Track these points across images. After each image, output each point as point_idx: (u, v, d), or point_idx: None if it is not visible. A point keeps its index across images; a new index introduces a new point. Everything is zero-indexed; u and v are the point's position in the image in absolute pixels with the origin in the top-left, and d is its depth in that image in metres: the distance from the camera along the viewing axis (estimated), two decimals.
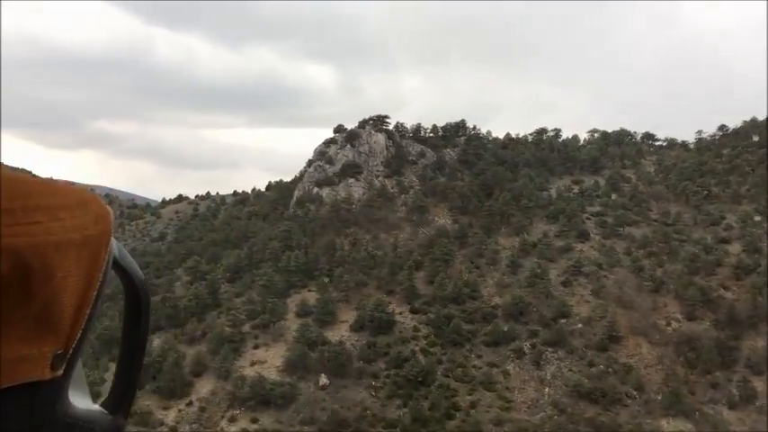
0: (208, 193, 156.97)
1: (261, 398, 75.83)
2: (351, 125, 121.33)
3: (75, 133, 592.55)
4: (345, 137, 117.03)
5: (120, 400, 0.88)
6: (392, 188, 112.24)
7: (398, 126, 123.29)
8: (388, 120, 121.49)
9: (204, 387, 78.64)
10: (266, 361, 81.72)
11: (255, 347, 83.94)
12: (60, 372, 0.75)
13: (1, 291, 0.65)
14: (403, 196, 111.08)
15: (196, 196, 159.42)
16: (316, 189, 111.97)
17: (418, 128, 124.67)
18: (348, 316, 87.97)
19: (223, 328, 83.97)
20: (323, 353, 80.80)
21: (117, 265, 0.83)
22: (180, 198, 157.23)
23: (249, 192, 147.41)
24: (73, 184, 0.78)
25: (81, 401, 0.82)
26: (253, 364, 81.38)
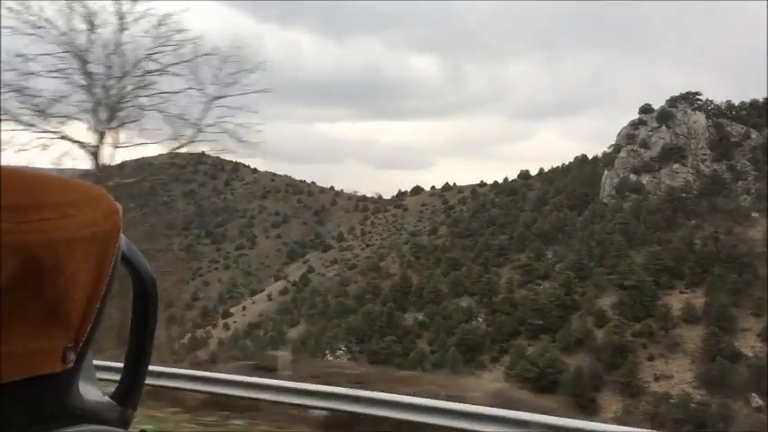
0: (447, 184, 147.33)
1: (688, 420, 63.23)
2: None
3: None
4: (657, 117, 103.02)
5: (128, 392, 0.89)
6: (723, 174, 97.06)
7: (706, 103, 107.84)
8: (699, 96, 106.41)
9: (611, 404, 66.96)
10: (672, 375, 69.09)
11: (650, 358, 71.46)
12: (71, 364, 0.74)
13: (13, 286, 0.64)
14: (740, 183, 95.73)
15: (432, 187, 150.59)
16: (633, 176, 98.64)
17: (731, 105, 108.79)
18: (747, 323, 73.84)
19: (611, 336, 72.00)
20: (742, 368, 67.25)
21: (125, 260, 0.82)
22: (418, 190, 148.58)
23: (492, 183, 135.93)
24: (82, 179, 0.76)
25: (91, 393, 0.83)
26: (657, 378, 68.97)
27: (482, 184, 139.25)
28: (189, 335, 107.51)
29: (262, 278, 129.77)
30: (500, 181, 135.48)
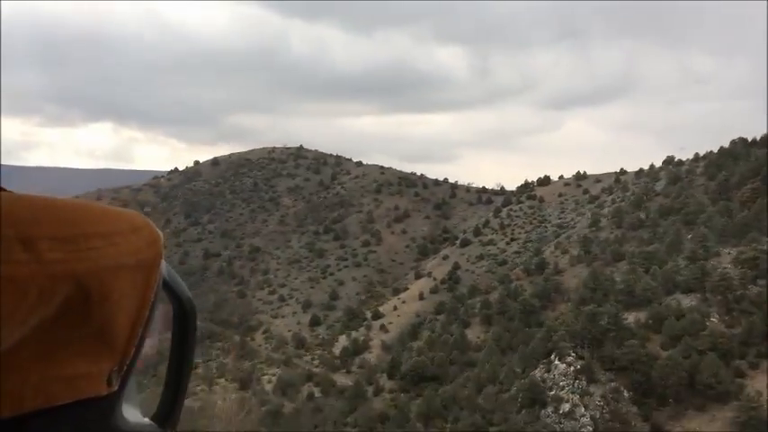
0: (579, 172, 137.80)
1: None
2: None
3: (213, 129, 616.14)
4: None
5: (168, 414, 0.93)
6: None
7: None
8: None
9: None
10: None
11: None
12: (115, 387, 0.79)
13: (63, 313, 0.69)
14: None
15: (560, 177, 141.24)
16: None
17: None
18: None
19: None
20: None
21: (166, 286, 0.87)
22: (547, 180, 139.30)
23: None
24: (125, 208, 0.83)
25: (132, 415, 0.87)
26: None
27: (623, 172, 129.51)
28: (343, 337, 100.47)
29: (396, 276, 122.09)
30: (644, 168, 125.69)
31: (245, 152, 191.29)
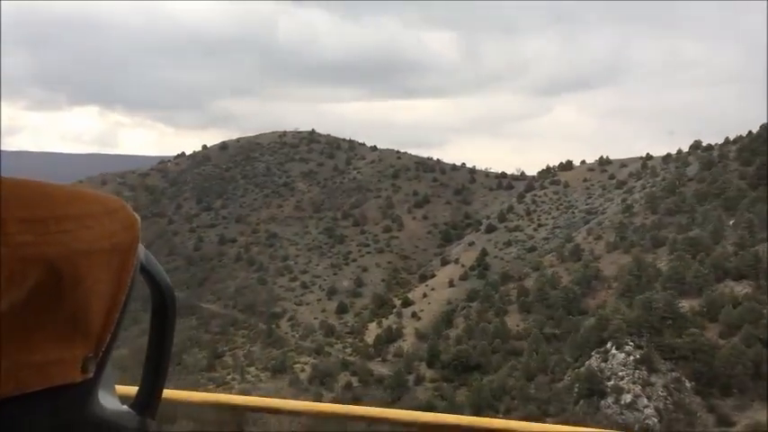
0: (602, 157, 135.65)
1: None
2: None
3: (201, 113, 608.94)
4: None
5: (147, 401, 0.91)
6: None
7: None
8: None
9: None
10: None
11: None
12: (91, 374, 0.77)
13: (34, 297, 0.67)
14: None
15: (582, 162, 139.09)
16: None
17: None
18: None
19: None
20: None
21: (144, 270, 0.85)
22: (569, 165, 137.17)
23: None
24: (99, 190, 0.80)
25: (110, 402, 0.85)
26: None
27: (649, 157, 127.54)
28: (373, 324, 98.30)
29: (420, 262, 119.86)
30: (672, 153, 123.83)
31: (254, 136, 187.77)
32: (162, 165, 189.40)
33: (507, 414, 64.65)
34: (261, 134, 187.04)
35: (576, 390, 62.93)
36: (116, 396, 0.88)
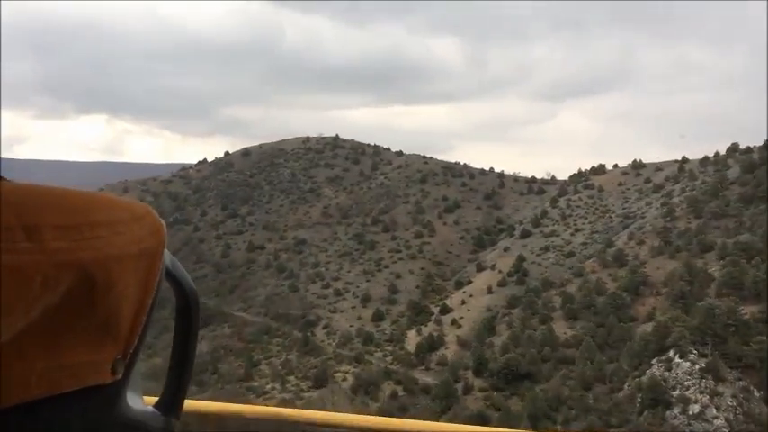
0: (635, 161, 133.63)
1: None
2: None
3: (207, 120, 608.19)
4: None
5: (171, 402, 0.93)
6: None
7: None
8: None
9: None
10: None
11: None
12: (120, 375, 0.79)
13: (67, 302, 0.69)
14: None
15: (614, 165, 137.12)
16: None
17: None
18: None
19: None
20: None
21: (169, 275, 0.87)
22: (602, 169, 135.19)
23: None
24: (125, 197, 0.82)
25: (136, 403, 0.88)
26: None
27: (685, 160, 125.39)
28: (412, 332, 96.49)
29: (453, 268, 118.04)
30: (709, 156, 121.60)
31: (277, 142, 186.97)
32: (184, 171, 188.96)
33: (566, 425, 62.74)
34: (283, 140, 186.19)
35: (639, 400, 60.87)
36: (142, 397, 0.91)
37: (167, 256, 0.84)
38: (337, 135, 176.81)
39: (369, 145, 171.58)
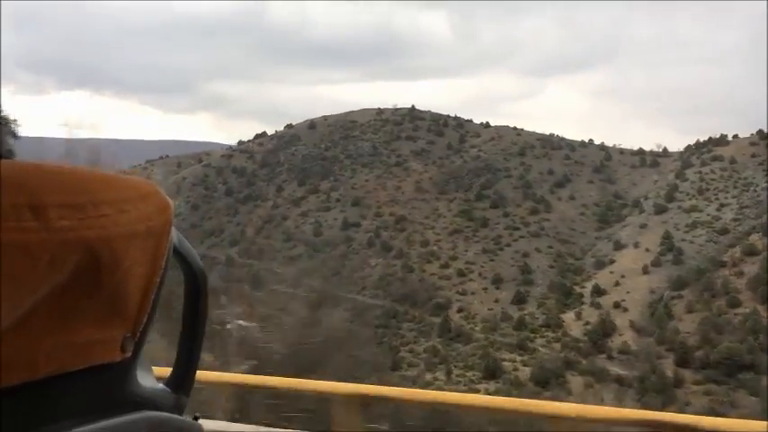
0: (761, 131, 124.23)
1: None
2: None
3: (191, 96, 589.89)
4: None
5: (181, 380, 0.93)
6: None
7: None
8: None
9: None
10: None
11: None
12: (129, 353, 0.79)
13: (74, 281, 0.68)
14: None
15: (734, 136, 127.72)
16: None
17: None
18: None
19: None
20: None
21: (177, 253, 0.87)
22: (724, 139, 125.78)
23: None
24: (133, 176, 0.81)
25: (147, 381, 0.88)
26: None
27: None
28: (566, 315, 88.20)
29: (583, 246, 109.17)
30: None
31: (343, 114, 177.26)
32: (244, 145, 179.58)
33: None
34: (352, 111, 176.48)
35: None
36: (152, 375, 0.90)
37: (175, 235, 0.83)
38: (413, 106, 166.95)
39: (450, 116, 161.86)
